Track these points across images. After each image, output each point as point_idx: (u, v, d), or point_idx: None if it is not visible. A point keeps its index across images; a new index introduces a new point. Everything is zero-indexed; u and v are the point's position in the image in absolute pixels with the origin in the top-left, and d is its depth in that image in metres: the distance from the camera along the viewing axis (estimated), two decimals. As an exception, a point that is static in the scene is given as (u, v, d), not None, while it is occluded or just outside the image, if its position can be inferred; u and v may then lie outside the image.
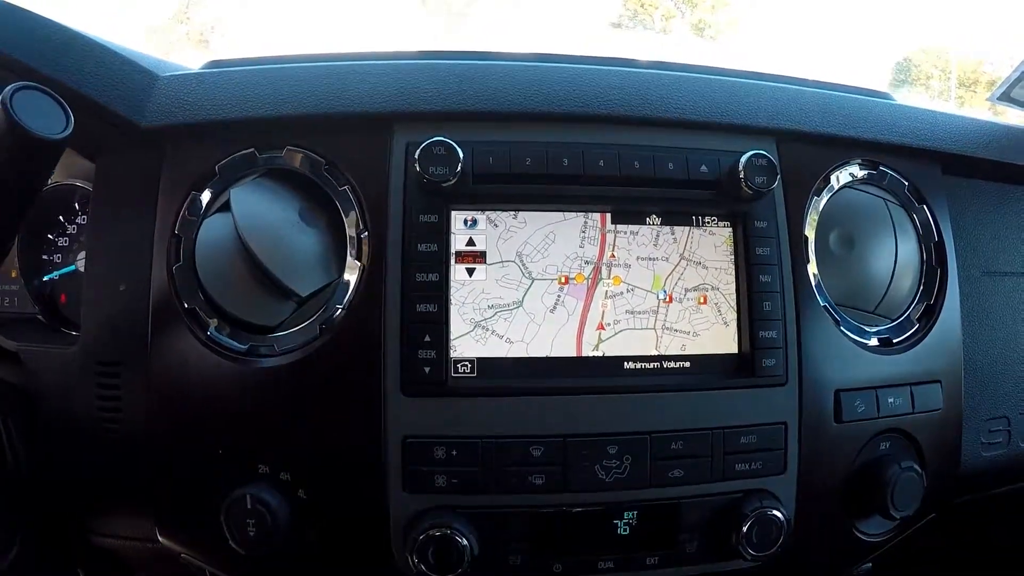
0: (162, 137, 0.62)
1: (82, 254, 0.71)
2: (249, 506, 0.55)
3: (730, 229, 0.62)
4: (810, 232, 0.65)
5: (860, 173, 0.69)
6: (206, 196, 0.61)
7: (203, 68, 0.67)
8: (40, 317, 0.72)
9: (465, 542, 0.54)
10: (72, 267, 0.73)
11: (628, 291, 0.60)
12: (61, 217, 0.74)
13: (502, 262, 0.59)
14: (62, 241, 0.74)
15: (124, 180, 0.64)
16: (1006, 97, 0.83)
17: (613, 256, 0.60)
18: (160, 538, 0.62)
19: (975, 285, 0.74)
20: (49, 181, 0.75)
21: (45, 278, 0.73)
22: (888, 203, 0.69)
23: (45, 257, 0.74)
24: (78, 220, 0.74)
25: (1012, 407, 0.75)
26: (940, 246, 0.70)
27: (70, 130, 0.48)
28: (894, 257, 0.68)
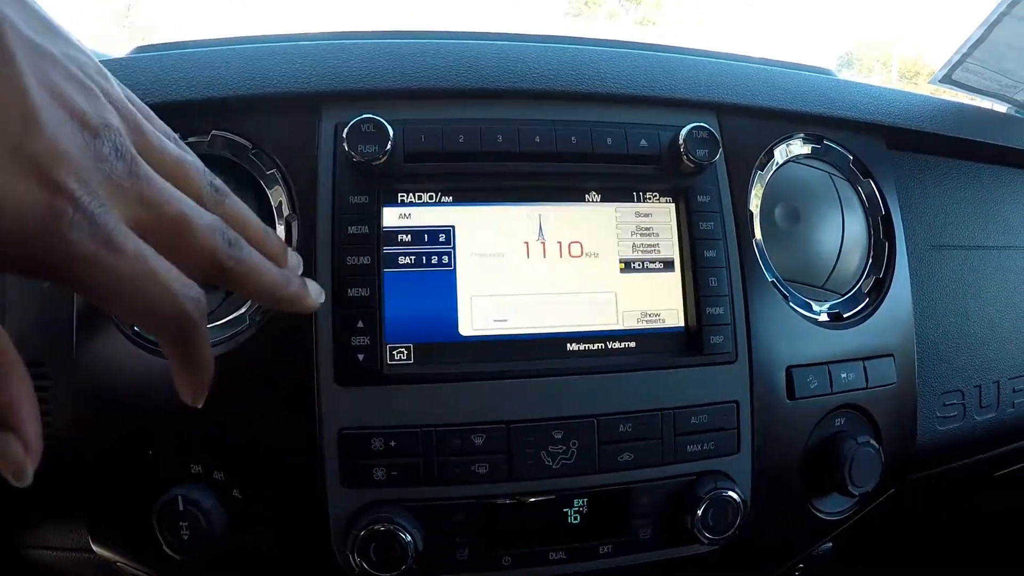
0: None
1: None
2: (181, 508, 0.52)
3: (673, 205, 0.61)
4: (755, 207, 0.64)
5: (804, 148, 0.68)
6: (131, 186, 0.58)
7: (129, 54, 0.65)
8: (-33, 323, 0.69)
9: (408, 537, 0.52)
10: (0, 269, 0.70)
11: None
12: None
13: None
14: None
15: (47, 173, 0.62)
16: (948, 79, 0.83)
17: (552, 233, 0.59)
18: (94, 547, 0.59)
19: (924, 259, 0.73)
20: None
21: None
22: (833, 177, 0.68)
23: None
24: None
25: (966, 380, 0.74)
26: (887, 219, 0.69)
27: None
28: (841, 231, 0.67)
